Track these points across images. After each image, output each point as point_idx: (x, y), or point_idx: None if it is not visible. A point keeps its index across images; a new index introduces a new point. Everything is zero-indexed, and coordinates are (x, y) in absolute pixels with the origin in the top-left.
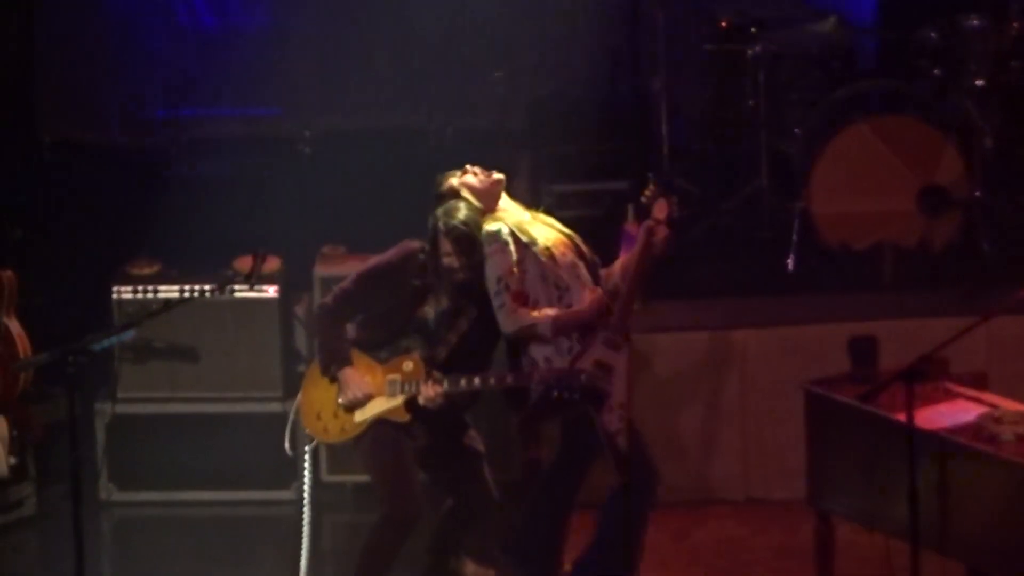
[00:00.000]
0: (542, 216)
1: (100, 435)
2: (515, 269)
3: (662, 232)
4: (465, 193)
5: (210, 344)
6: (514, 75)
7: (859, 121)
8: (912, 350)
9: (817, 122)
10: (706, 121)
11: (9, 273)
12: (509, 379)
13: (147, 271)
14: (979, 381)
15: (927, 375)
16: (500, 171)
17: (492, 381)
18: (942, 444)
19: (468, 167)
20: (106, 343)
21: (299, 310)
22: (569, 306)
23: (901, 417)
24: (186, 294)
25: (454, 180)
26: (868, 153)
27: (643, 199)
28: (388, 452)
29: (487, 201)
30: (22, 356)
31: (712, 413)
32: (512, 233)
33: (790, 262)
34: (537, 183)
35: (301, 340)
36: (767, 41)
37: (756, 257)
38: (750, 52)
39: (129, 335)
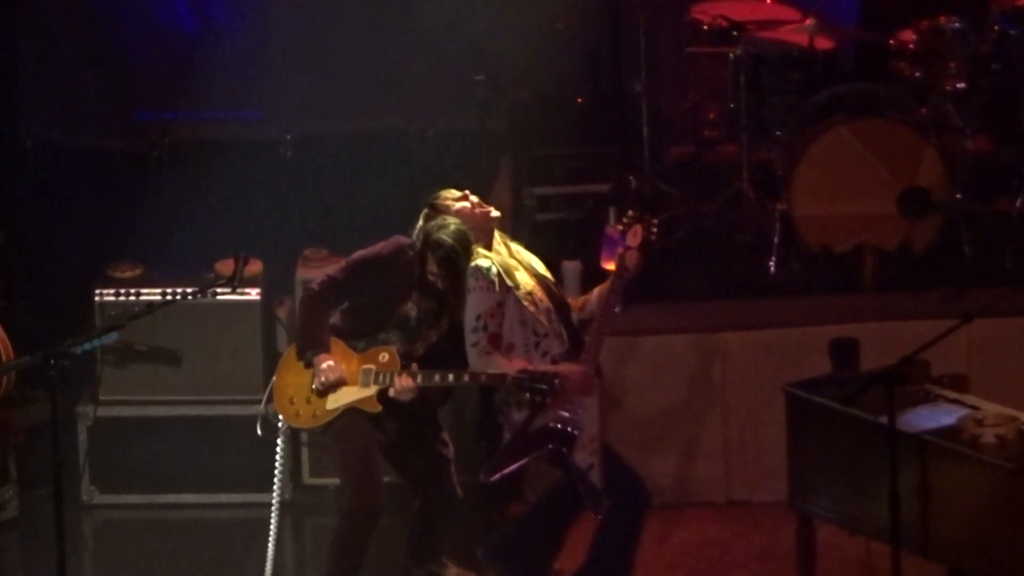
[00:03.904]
0: (523, 253)
1: (82, 438)
2: (496, 311)
3: (633, 258)
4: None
5: (192, 347)
6: (495, 78)
7: (840, 124)
8: (893, 352)
9: (798, 125)
10: (687, 123)
11: None
12: (483, 377)
13: (129, 274)
14: (960, 383)
15: (908, 377)
16: (483, 176)
17: (466, 378)
18: (923, 446)
19: (468, 193)
20: (88, 346)
21: (280, 312)
22: (545, 353)
23: (883, 419)
24: (168, 297)
25: (450, 202)
26: (849, 156)
27: (620, 227)
28: (356, 441)
29: (478, 235)
30: (4, 359)
31: (693, 415)
32: (499, 274)
33: (771, 264)
34: (519, 186)
35: (283, 343)
36: (748, 44)
37: (737, 260)
38: (731, 55)
39: (111, 338)
